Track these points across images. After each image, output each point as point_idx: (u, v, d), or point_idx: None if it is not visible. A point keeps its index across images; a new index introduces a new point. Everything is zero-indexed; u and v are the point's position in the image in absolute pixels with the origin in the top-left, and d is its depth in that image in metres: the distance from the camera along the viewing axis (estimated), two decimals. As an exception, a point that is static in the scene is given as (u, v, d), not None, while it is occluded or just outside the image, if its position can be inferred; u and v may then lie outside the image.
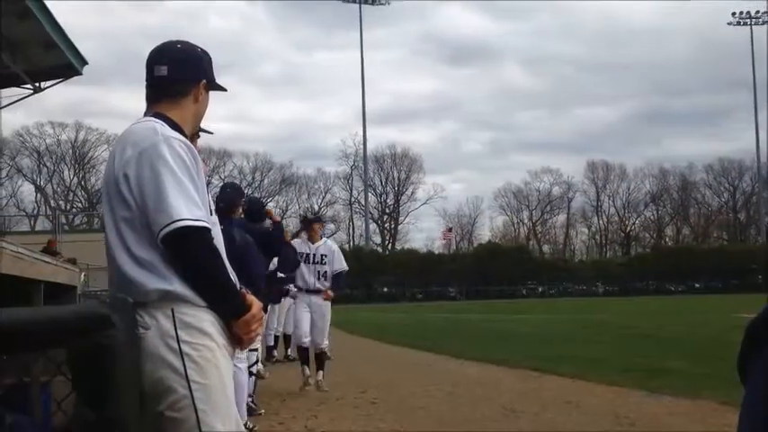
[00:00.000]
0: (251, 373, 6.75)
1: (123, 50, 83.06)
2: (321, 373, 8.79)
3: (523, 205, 79.52)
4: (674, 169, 77.99)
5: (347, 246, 64.84)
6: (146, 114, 2.59)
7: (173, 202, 2.32)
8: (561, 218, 79.87)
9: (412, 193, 76.66)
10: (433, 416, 7.11)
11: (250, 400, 6.76)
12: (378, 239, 75.79)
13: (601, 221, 79.65)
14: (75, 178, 69.43)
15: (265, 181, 72.36)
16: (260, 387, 7.90)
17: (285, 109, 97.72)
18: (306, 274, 8.80)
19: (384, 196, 77.13)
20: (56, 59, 13.12)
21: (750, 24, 69.17)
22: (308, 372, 8.73)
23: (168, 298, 2.33)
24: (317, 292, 8.80)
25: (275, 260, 8.57)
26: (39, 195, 67.84)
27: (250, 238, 6.12)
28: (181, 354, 2.30)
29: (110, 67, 77.76)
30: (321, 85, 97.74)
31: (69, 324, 2.18)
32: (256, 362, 7.32)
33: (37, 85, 14.10)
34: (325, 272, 8.84)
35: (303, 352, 8.91)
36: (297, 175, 73.99)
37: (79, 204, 68.32)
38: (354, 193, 74.98)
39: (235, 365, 5.33)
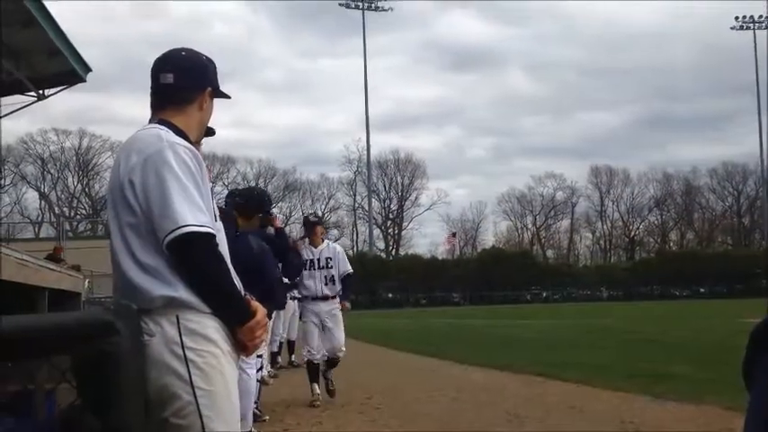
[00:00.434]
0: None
1: (127, 58, 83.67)
2: (331, 371, 8.46)
3: (527, 210, 79.63)
4: (678, 174, 78.15)
5: (351, 251, 64.75)
6: (151, 121, 2.59)
7: (178, 207, 2.32)
8: (565, 223, 79.99)
9: (415, 198, 76.86)
10: (437, 421, 7.10)
11: (255, 406, 6.74)
12: (381, 245, 75.89)
13: (605, 226, 79.69)
14: (79, 185, 69.63)
15: (269, 187, 72.37)
16: (264, 393, 7.89)
17: (289, 115, 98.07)
18: (311, 280, 8.33)
19: (387, 202, 77.25)
20: (59, 67, 13.16)
21: (753, 29, 69.26)
22: (317, 390, 8.26)
23: (173, 304, 2.32)
24: (324, 298, 8.34)
25: (279, 266, 8.54)
26: (43, 202, 68.03)
27: (266, 246, 6.11)
28: (185, 360, 2.30)
29: (114, 75, 77.98)
30: (324, 91, 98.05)
31: (74, 331, 2.18)
32: (261, 368, 7.30)
33: (41, 92, 14.14)
34: (333, 276, 8.37)
35: (313, 368, 8.35)
36: (300, 180, 74.27)
37: (83, 211, 68.47)
38: (358, 198, 75.20)
39: (244, 371, 5.36)
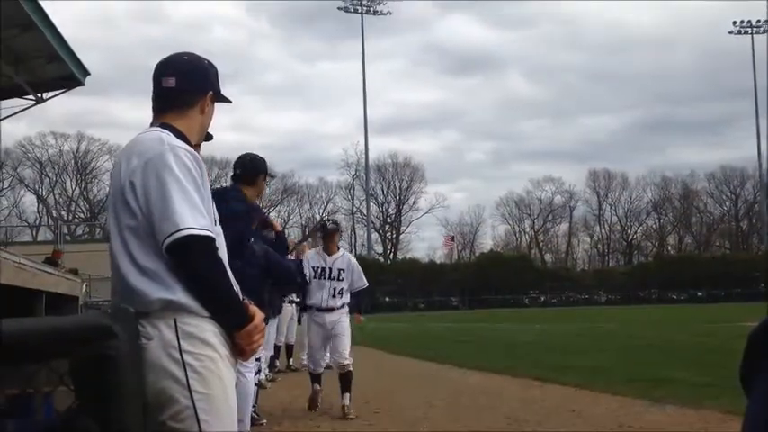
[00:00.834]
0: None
1: (126, 61, 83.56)
2: (348, 396, 7.75)
3: (525, 214, 79.50)
4: (676, 178, 78.04)
5: (349, 255, 64.66)
6: (152, 125, 2.60)
7: (178, 210, 2.33)
8: (563, 227, 79.84)
9: (414, 202, 76.68)
10: (435, 425, 7.09)
11: (252, 410, 6.74)
12: (379, 249, 75.74)
13: (603, 230, 79.59)
14: (77, 189, 69.51)
15: (267, 190, 72.46)
16: (262, 397, 7.88)
17: (287, 119, 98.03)
18: (318, 289, 7.96)
19: (386, 206, 77.12)
20: (58, 71, 13.19)
21: (751, 33, 69.28)
22: (318, 387, 8.13)
23: (171, 308, 2.32)
24: (329, 310, 7.94)
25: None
26: (41, 206, 67.92)
27: (264, 245, 6.10)
28: (183, 364, 2.30)
29: (112, 78, 78.10)
30: (323, 95, 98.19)
31: (72, 334, 2.18)
32: (259, 371, 7.30)
33: (39, 95, 14.17)
34: (342, 289, 7.97)
35: (316, 376, 8.20)
36: (299, 184, 74.09)
37: (81, 215, 68.37)
38: (356, 202, 75.02)
39: (242, 375, 5.35)
